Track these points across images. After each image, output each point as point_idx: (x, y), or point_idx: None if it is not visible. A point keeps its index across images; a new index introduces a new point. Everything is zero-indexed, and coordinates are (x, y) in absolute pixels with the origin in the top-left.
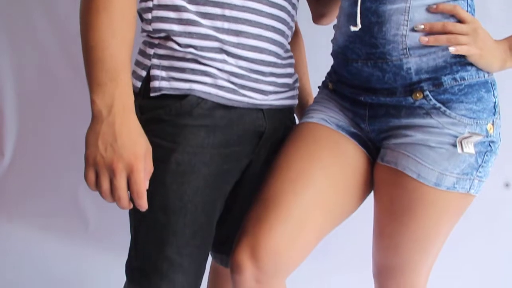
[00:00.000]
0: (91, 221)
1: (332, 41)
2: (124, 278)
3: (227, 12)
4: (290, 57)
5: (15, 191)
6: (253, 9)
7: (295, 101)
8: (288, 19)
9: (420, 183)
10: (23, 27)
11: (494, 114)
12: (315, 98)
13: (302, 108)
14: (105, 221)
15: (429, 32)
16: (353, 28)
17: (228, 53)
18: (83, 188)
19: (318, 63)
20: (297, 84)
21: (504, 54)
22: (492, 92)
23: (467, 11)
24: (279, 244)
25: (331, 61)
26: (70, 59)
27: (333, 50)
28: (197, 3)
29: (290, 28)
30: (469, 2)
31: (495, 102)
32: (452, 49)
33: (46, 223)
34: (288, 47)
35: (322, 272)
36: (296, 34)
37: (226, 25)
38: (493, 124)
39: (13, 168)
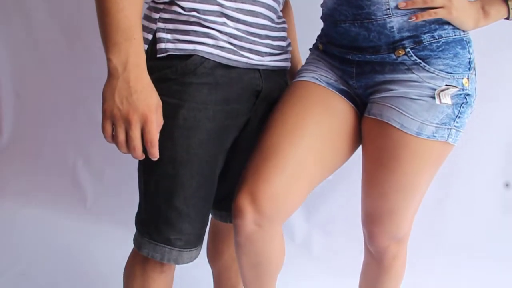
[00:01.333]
0: (89, 197)
1: (322, 5)
2: (123, 251)
3: None
4: (283, 22)
5: (13, 168)
6: None
7: (288, 64)
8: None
9: (403, 133)
10: None
11: (469, 69)
12: (307, 59)
13: (292, 72)
14: (103, 197)
15: None
16: None
17: (228, 17)
18: (81, 164)
19: (309, 32)
20: (290, 48)
21: (477, 13)
22: (467, 49)
23: None
24: (278, 190)
25: (319, 28)
26: (67, 28)
27: (322, 14)
28: None
29: (279, 3)
30: None
31: (470, 58)
32: (429, 13)
33: (45, 199)
34: (281, 13)
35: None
36: (286, 4)
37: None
38: (468, 79)
39: (12, 146)
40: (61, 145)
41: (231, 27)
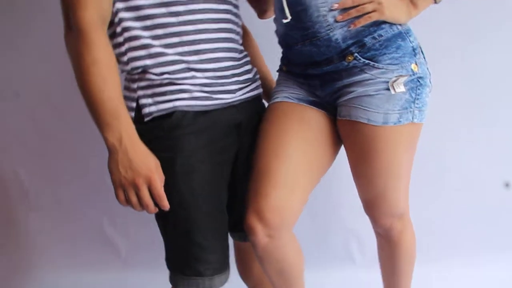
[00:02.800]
0: (122, 251)
1: (275, 32)
2: None
3: (184, 38)
4: (245, 55)
5: (41, 231)
6: (204, 29)
7: (260, 90)
8: (234, 27)
9: (372, 126)
10: None
11: (415, 55)
12: (276, 81)
13: (269, 92)
14: (134, 249)
15: (343, 9)
16: (285, 21)
17: (195, 70)
18: (107, 222)
19: (276, 52)
20: (257, 76)
21: (407, 7)
22: (408, 39)
23: None
24: (278, 203)
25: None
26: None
27: (278, 40)
28: (159, 38)
29: (238, 33)
30: None
31: (413, 46)
32: (364, 19)
33: (81, 261)
34: (242, 48)
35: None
36: (245, 33)
37: (186, 48)
38: (416, 64)
39: (38, 207)
40: (85, 204)
41: (200, 78)
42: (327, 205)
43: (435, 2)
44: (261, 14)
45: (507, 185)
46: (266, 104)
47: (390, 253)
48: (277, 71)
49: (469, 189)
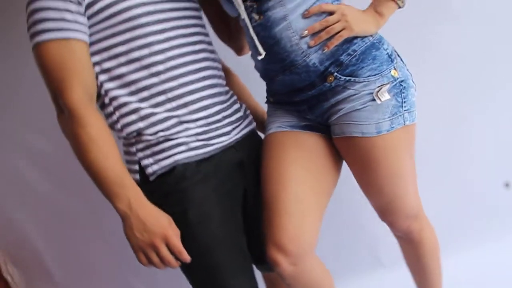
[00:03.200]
0: None
1: (255, 68)
2: None
3: (170, 95)
4: (232, 95)
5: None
6: (187, 82)
7: (253, 124)
8: (215, 72)
9: (367, 138)
10: None
11: (392, 61)
12: (267, 112)
13: (262, 123)
14: None
15: (313, 34)
16: (260, 57)
17: (187, 122)
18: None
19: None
20: (248, 111)
21: (373, 18)
22: (381, 48)
23: (331, 3)
24: (293, 231)
25: None
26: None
27: (259, 74)
28: (146, 100)
29: (220, 76)
30: None
31: (388, 53)
32: (335, 40)
33: None
34: (227, 89)
35: None
36: (227, 72)
37: (174, 104)
38: (395, 69)
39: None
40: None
41: (193, 128)
42: (347, 214)
43: (400, 7)
44: (238, 51)
45: (507, 185)
46: (262, 136)
47: (414, 253)
48: (265, 102)
49: (469, 189)
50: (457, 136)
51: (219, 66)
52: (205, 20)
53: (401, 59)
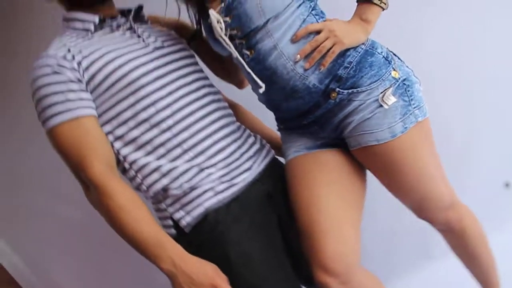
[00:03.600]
0: None
1: (259, 100)
2: None
3: (185, 146)
4: (244, 130)
5: None
6: (198, 130)
7: (272, 153)
8: (223, 112)
9: (383, 144)
10: None
11: (389, 63)
12: (281, 139)
13: (280, 148)
14: None
15: (306, 56)
16: (261, 90)
17: (207, 167)
18: None
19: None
20: (263, 141)
21: (360, 26)
22: (376, 52)
23: (316, 21)
24: (335, 250)
25: None
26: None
27: (265, 106)
28: (164, 156)
29: (228, 115)
30: (314, 13)
31: (383, 56)
32: (329, 57)
33: None
34: (238, 124)
35: None
36: (234, 108)
37: (191, 153)
38: (394, 69)
39: None
40: None
41: (215, 173)
42: (389, 214)
43: (383, 9)
44: (239, 85)
45: (507, 185)
46: (283, 159)
47: (460, 243)
48: (277, 130)
49: (469, 189)
50: (456, 136)
51: (225, 104)
52: (201, 63)
53: (399, 58)
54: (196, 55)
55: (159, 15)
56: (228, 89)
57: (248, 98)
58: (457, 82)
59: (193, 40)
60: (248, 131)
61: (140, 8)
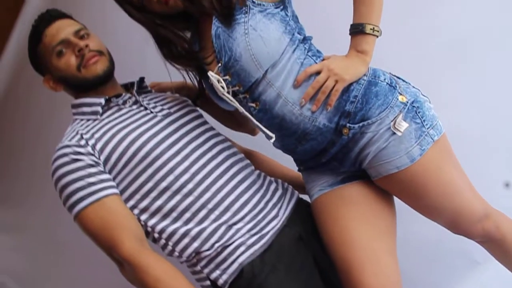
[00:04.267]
0: None
1: (274, 145)
2: None
3: (209, 206)
4: (264, 177)
5: None
6: (219, 188)
7: (296, 194)
8: (240, 165)
9: (403, 170)
10: None
11: (394, 88)
12: (303, 179)
13: (303, 186)
14: None
15: (311, 99)
16: (272, 140)
17: (235, 223)
18: None
19: None
20: (285, 184)
21: (358, 58)
22: (378, 81)
23: (315, 62)
24: (376, 282)
25: None
26: None
27: (281, 150)
28: (191, 220)
29: (246, 166)
30: (310, 55)
31: (387, 83)
32: (333, 96)
33: None
34: (257, 173)
35: None
36: (250, 155)
37: (216, 212)
38: (401, 93)
39: None
40: None
41: (243, 227)
42: (428, 226)
43: (377, 37)
44: (252, 132)
45: (507, 185)
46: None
47: (502, 251)
48: (298, 171)
49: None
50: (456, 136)
51: (241, 156)
52: (210, 117)
53: (403, 80)
54: (204, 112)
55: (160, 81)
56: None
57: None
58: (457, 82)
59: (199, 99)
60: (268, 178)
61: (141, 80)
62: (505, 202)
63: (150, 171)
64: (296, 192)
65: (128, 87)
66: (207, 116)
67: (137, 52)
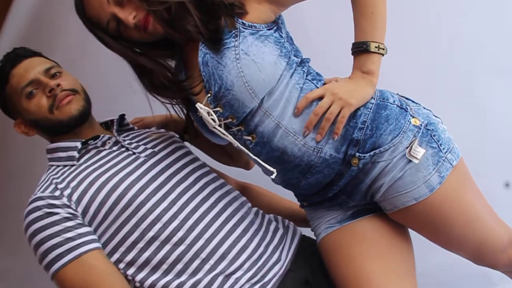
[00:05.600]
0: None
1: (274, 181)
2: None
3: (203, 255)
4: (263, 217)
5: None
6: (212, 234)
7: (298, 232)
8: (235, 205)
9: (422, 201)
10: None
11: (406, 110)
12: (307, 216)
13: (306, 220)
14: None
15: (314, 128)
16: (273, 176)
17: (232, 272)
18: None
19: None
20: (286, 222)
21: (364, 80)
22: (388, 104)
23: (316, 87)
24: None
25: None
26: None
27: (282, 186)
28: (182, 271)
29: (241, 206)
30: (310, 78)
31: (397, 105)
32: (339, 123)
33: None
34: (254, 210)
35: None
36: (246, 190)
37: (211, 261)
38: (413, 116)
39: None
40: None
41: (242, 276)
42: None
43: (383, 55)
44: (246, 166)
45: (507, 185)
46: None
47: None
48: (300, 207)
49: None
50: (456, 136)
51: (235, 194)
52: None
53: (413, 101)
54: (193, 147)
55: (144, 116)
56: None
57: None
58: (456, 82)
59: (187, 134)
60: (267, 217)
61: (122, 117)
62: (505, 202)
63: (134, 220)
64: (298, 229)
65: (108, 125)
66: (197, 151)
67: (123, 86)
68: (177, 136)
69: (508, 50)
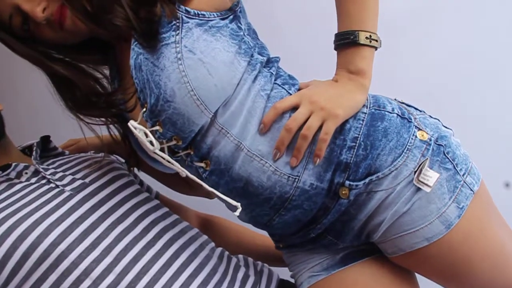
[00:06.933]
0: None
1: (240, 218)
2: None
3: None
4: (228, 261)
5: None
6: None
7: (274, 276)
8: (192, 248)
9: (437, 241)
10: None
11: (409, 121)
12: (285, 260)
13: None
14: None
15: (287, 149)
16: (237, 212)
17: None
18: None
19: None
20: (259, 265)
21: (353, 83)
22: (385, 113)
23: (288, 93)
24: None
25: None
26: None
27: (251, 224)
28: None
29: (201, 247)
30: (280, 82)
31: (397, 114)
32: (322, 141)
33: None
34: (217, 255)
35: None
36: (208, 225)
37: None
38: (419, 128)
39: None
40: None
41: None
42: None
43: (377, 48)
44: (209, 195)
45: (507, 185)
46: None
47: None
48: (276, 248)
49: None
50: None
51: (193, 233)
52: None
53: (415, 108)
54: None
55: (80, 137)
56: None
57: None
58: (456, 82)
59: (132, 159)
60: (234, 260)
61: (46, 140)
62: (505, 202)
63: (53, 276)
64: (275, 273)
65: (26, 152)
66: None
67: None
68: (121, 161)
69: (508, 50)
